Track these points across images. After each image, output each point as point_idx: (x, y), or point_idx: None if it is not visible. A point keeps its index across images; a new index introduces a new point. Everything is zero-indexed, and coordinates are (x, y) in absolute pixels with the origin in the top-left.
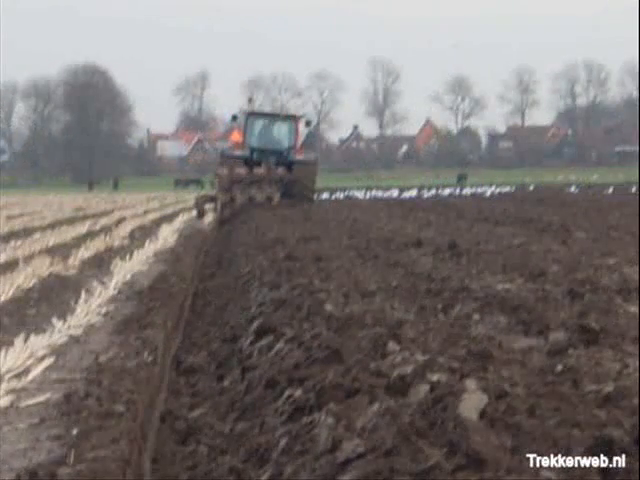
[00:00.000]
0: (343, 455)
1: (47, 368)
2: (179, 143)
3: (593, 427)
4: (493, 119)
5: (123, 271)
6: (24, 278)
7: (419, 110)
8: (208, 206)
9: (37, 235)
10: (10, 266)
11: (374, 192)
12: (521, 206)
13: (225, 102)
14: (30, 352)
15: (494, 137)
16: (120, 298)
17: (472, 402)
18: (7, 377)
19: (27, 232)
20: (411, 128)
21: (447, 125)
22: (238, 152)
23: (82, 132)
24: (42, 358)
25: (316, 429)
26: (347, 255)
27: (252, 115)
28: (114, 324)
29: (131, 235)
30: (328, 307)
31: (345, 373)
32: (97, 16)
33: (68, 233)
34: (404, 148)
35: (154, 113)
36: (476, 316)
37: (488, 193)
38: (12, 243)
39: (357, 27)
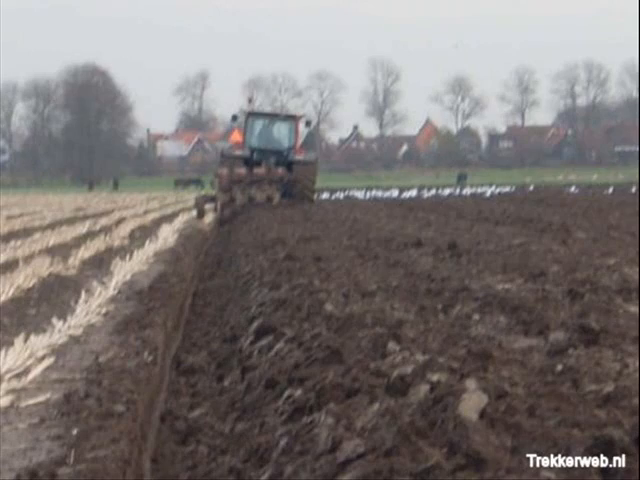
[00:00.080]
0: (343, 455)
1: (47, 368)
2: (179, 143)
3: (593, 427)
4: (493, 119)
5: (123, 271)
6: (24, 278)
7: (419, 110)
8: (208, 206)
9: (37, 235)
10: (10, 266)
11: (374, 192)
12: (521, 206)
13: (225, 102)
14: (30, 352)
15: (494, 137)
16: (120, 298)
17: (472, 402)
18: (7, 377)
19: (27, 232)
20: (411, 128)
21: (447, 125)
22: (238, 152)
23: (82, 132)
24: (42, 358)
25: (316, 429)
26: (347, 255)
27: (252, 115)
28: (114, 324)
29: (131, 235)
30: (328, 307)
31: (345, 373)
32: (97, 16)
33: (68, 233)
34: (404, 148)
35: (154, 113)
36: (476, 316)
37: (488, 193)
38: (12, 243)
39: (357, 27)
